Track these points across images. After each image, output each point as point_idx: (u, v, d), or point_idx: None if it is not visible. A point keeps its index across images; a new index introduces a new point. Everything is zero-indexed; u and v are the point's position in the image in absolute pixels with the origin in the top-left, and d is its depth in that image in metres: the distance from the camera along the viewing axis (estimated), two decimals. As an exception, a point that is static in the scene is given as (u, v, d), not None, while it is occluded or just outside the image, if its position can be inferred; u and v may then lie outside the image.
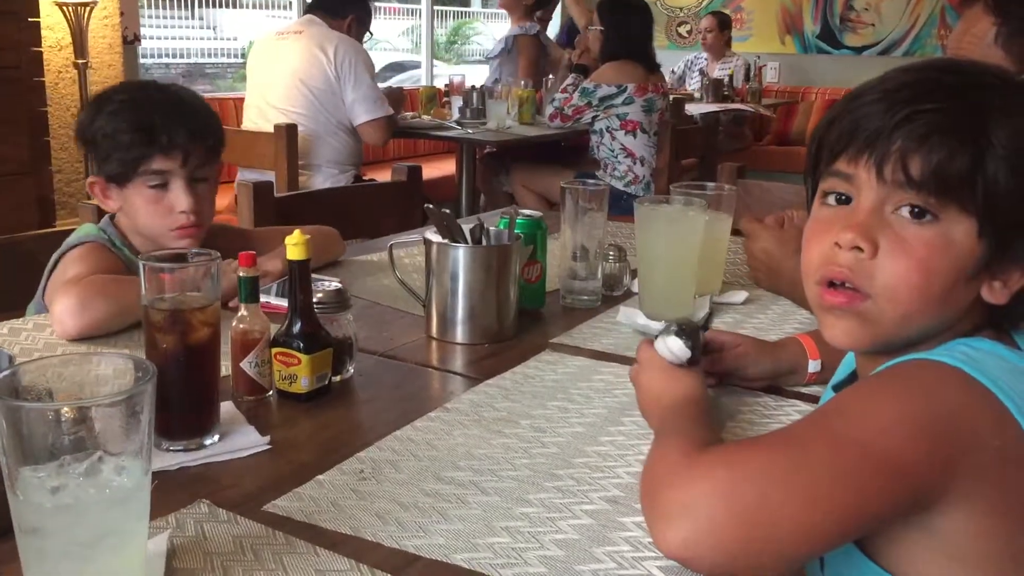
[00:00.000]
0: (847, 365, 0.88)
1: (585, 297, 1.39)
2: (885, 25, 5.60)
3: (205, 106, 1.40)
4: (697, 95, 5.27)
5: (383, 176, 2.96)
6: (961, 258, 0.72)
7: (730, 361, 1.07)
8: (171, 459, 0.86)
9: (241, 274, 0.99)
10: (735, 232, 1.45)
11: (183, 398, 0.88)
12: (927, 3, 5.45)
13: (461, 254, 1.21)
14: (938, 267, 0.72)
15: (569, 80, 3.80)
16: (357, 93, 3.37)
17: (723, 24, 5.58)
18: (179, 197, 1.33)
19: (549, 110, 3.80)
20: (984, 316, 0.76)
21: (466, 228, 1.26)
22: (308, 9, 3.59)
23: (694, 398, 0.88)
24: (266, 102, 3.41)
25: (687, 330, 0.93)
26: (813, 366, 1.08)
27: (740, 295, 1.41)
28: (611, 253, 1.45)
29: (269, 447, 0.89)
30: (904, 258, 0.72)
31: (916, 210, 0.72)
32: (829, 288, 0.76)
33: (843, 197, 0.77)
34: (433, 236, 1.24)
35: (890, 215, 0.73)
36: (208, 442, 0.89)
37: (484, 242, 1.26)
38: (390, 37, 8.21)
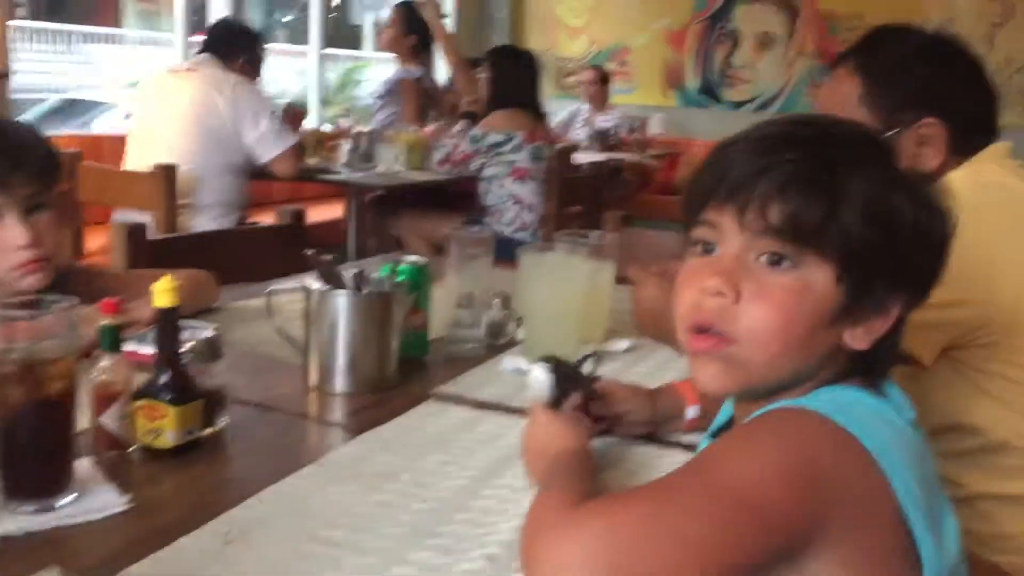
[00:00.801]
0: (725, 412, 0.89)
1: (469, 345, 1.37)
2: (762, 82, 5.86)
3: (32, 133, 1.29)
4: (584, 144, 5.37)
5: (269, 220, 2.90)
6: (820, 303, 0.75)
7: (612, 408, 1.07)
8: (19, 522, 0.79)
9: (104, 322, 0.93)
10: (621, 280, 1.46)
11: (33, 455, 0.82)
12: (800, 63, 5.72)
13: (341, 302, 1.18)
14: (798, 312, 0.74)
15: (458, 126, 3.82)
16: (257, 131, 3.32)
17: (603, 78, 5.73)
18: (13, 231, 1.20)
19: (438, 155, 3.80)
20: (852, 363, 0.78)
21: (349, 274, 1.23)
22: (202, 49, 3.52)
23: (575, 450, 0.88)
24: (153, 140, 3.30)
25: (557, 365, 0.93)
26: (692, 412, 1.09)
27: (623, 343, 1.42)
28: (496, 300, 1.44)
29: (129, 507, 0.84)
30: (765, 303, 0.75)
31: (776, 257, 0.75)
32: (697, 334, 0.78)
33: (710, 245, 0.79)
34: (313, 283, 1.20)
35: (752, 262, 0.76)
36: (60, 503, 0.83)
37: (366, 289, 1.23)
38: (280, 79, 8.12)
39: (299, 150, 3.50)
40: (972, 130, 1.26)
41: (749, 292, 0.75)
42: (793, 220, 0.73)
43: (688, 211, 0.82)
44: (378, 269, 1.28)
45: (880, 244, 0.74)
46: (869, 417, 0.73)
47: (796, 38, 5.72)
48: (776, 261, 0.75)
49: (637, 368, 1.34)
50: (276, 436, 1.05)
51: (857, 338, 0.76)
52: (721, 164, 0.79)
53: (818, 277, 0.74)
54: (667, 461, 1.02)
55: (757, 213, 0.75)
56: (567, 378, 0.92)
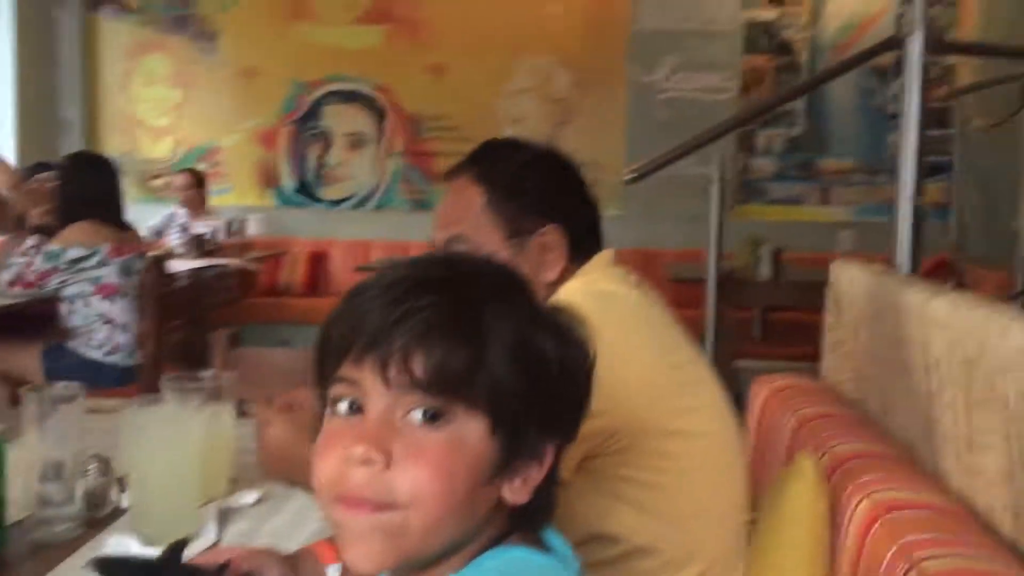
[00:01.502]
0: None
1: (62, 527, 1.13)
2: (357, 179, 5.96)
3: None
4: (179, 251, 5.05)
5: None
6: (478, 458, 0.69)
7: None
8: None
9: None
10: (243, 411, 1.31)
11: None
12: (391, 161, 5.91)
13: None
14: (456, 471, 0.68)
15: (29, 242, 3.37)
16: None
17: (199, 181, 5.47)
18: None
19: (7, 276, 3.32)
20: (509, 518, 0.73)
21: None
22: None
23: None
24: None
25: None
26: (333, 572, 0.98)
27: (251, 495, 1.27)
28: (92, 466, 1.22)
29: None
30: (420, 465, 0.67)
31: (426, 413, 0.68)
32: (346, 507, 0.68)
33: (354, 405, 0.70)
34: None
35: (401, 421, 0.68)
36: None
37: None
38: None
39: None
40: (585, 237, 1.33)
41: (401, 455, 0.67)
42: (440, 371, 0.67)
43: (321, 368, 0.73)
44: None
45: (530, 388, 0.70)
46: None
47: (386, 138, 5.91)
48: (427, 417, 0.68)
49: (271, 523, 1.20)
50: None
51: (516, 491, 0.71)
52: (354, 315, 0.71)
53: (472, 430, 0.68)
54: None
55: (400, 367, 0.67)
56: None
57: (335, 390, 0.71)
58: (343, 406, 0.71)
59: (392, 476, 0.67)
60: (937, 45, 1.80)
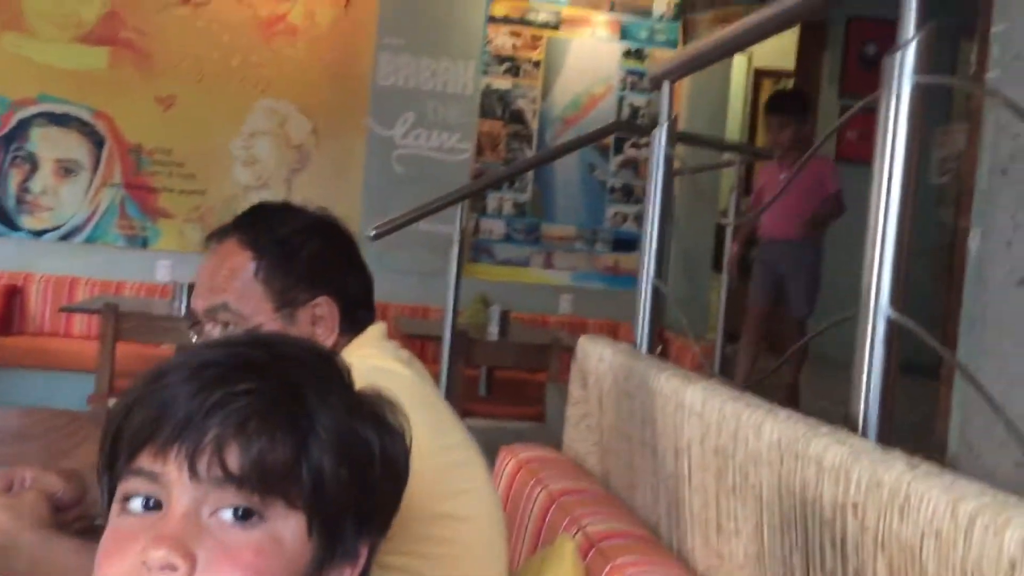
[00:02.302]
0: None
1: None
2: (65, 210, 5.45)
3: None
4: None
5: None
6: (295, 561, 0.64)
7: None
8: None
9: None
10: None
11: None
12: (106, 193, 5.47)
13: None
14: (270, 574, 0.62)
15: None
16: None
17: None
18: None
19: None
20: None
21: None
22: None
23: None
24: None
25: None
26: None
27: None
28: None
29: None
30: (230, 570, 0.61)
31: (239, 511, 0.62)
32: None
33: (151, 501, 0.63)
34: None
35: (208, 519, 0.62)
36: None
37: None
38: None
39: None
40: (357, 308, 1.29)
41: (208, 558, 0.60)
42: (258, 464, 0.61)
43: (112, 459, 0.65)
44: None
45: (352, 482, 0.66)
46: None
47: (102, 168, 5.47)
48: (239, 516, 0.62)
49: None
50: None
51: None
52: (158, 399, 0.63)
53: (288, 529, 0.63)
54: None
55: (212, 459, 0.61)
56: None
57: (129, 484, 0.63)
58: (137, 503, 0.63)
59: None
60: (676, 136, 1.94)
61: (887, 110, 1.02)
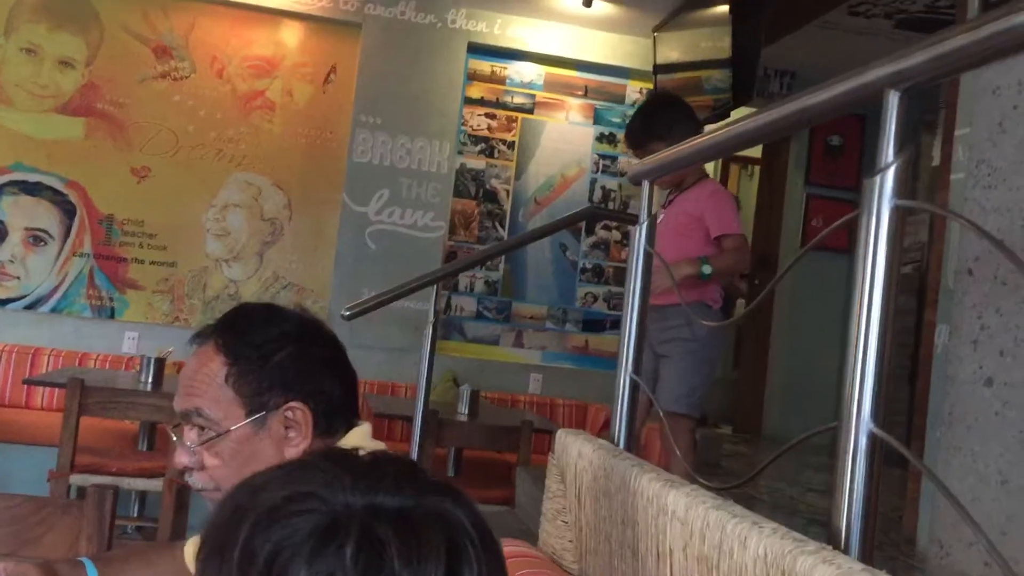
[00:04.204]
0: None
1: None
2: (32, 279, 5.39)
3: None
4: None
5: None
6: None
7: None
8: None
9: None
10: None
11: None
12: (75, 263, 5.43)
13: None
14: None
15: None
16: None
17: None
18: None
19: None
20: None
21: None
22: None
23: None
24: None
25: None
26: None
27: None
28: None
29: None
30: None
31: None
32: None
33: None
34: None
35: None
36: None
37: None
38: None
39: None
40: (335, 412, 1.28)
41: None
42: None
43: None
44: None
45: None
46: None
47: (72, 237, 5.44)
48: None
49: None
50: None
51: None
52: None
53: None
54: None
55: None
56: None
57: None
58: None
59: None
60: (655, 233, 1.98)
61: (867, 232, 1.05)
